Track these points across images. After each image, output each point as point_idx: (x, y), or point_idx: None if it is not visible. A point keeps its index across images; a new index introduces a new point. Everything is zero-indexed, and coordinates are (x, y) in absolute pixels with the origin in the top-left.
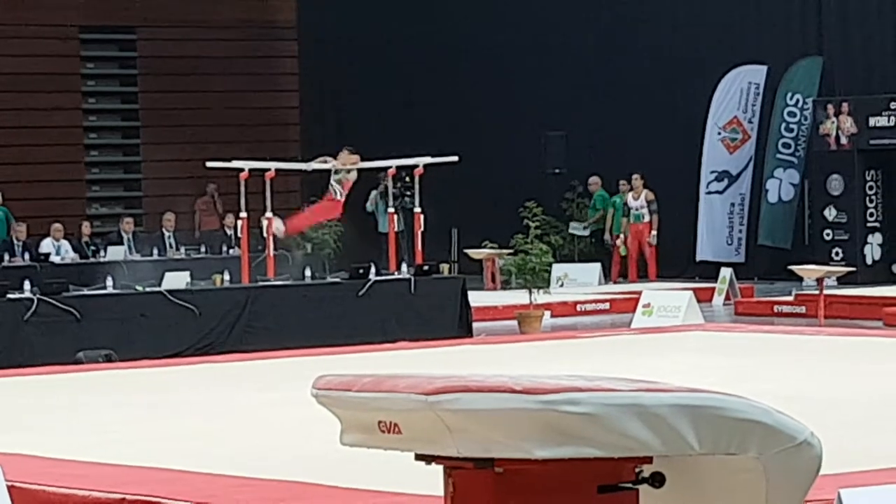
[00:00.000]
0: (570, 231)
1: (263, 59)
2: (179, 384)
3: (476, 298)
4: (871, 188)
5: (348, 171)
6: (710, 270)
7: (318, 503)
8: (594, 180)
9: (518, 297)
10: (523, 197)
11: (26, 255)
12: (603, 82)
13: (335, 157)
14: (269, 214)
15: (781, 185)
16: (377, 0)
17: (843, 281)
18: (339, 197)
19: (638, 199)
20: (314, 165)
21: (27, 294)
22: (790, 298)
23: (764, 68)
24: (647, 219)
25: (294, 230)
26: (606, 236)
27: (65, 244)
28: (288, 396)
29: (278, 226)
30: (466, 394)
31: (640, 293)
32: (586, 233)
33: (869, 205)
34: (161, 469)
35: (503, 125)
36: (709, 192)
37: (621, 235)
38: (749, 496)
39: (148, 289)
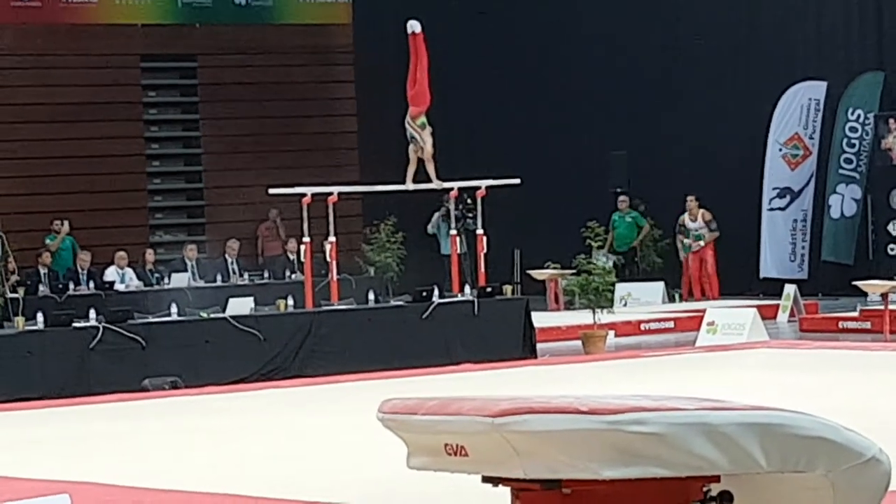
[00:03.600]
0: (595, 260)
1: (321, 85)
2: (245, 410)
3: (540, 319)
4: None
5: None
6: (773, 287)
7: None
8: (622, 199)
9: (582, 317)
10: (585, 217)
11: (91, 284)
12: (664, 101)
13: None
14: (331, 238)
15: (844, 201)
16: (434, 24)
17: None
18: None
19: (695, 221)
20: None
21: (93, 322)
22: (855, 314)
23: (824, 84)
24: (707, 239)
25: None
26: (682, 255)
27: (129, 272)
28: (353, 420)
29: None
30: (532, 415)
31: (704, 311)
32: (610, 263)
33: None
34: (228, 495)
35: (565, 145)
36: (771, 209)
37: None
38: None
39: (212, 315)
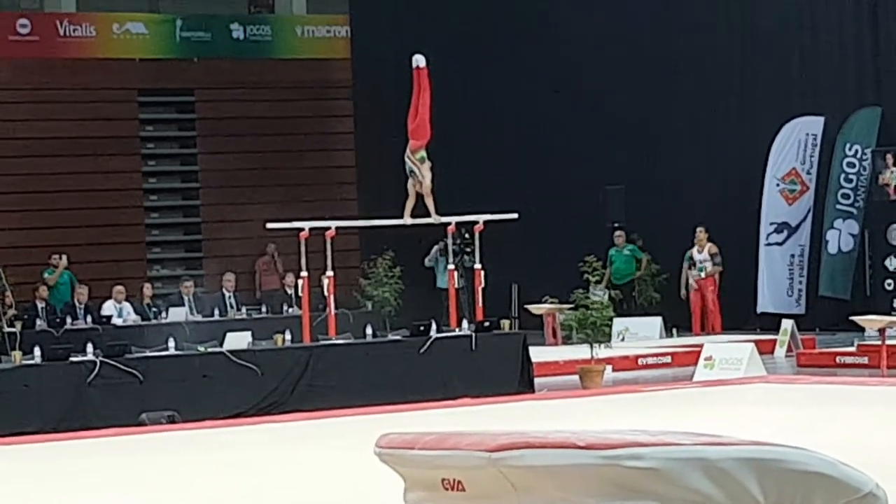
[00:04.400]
0: (591, 296)
1: (320, 119)
2: (243, 444)
3: (537, 354)
4: None
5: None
6: (771, 322)
7: None
8: (619, 234)
9: (579, 351)
10: (583, 251)
11: (88, 318)
12: (662, 136)
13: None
14: (329, 273)
15: (841, 236)
16: (430, 58)
17: None
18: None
19: (702, 253)
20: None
21: (90, 357)
22: (852, 349)
23: (821, 119)
24: (709, 271)
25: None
26: (683, 292)
27: (126, 306)
28: (351, 455)
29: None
30: (530, 450)
31: (701, 346)
32: (605, 296)
33: None
34: None
35: (562, 180)
36: (768, 244)
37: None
38: None
39: (210, 349)
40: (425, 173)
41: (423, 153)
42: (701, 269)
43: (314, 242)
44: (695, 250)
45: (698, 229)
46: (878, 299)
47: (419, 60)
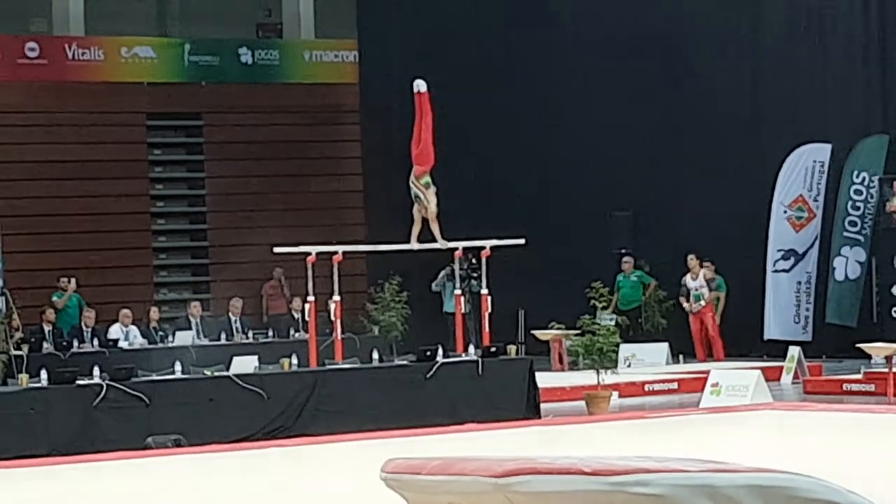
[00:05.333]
0: (599, 321)
1: (328, 144)
2: (248, 468)
3: (544, 379)
4: None
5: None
6: (777, 349)
7: None
8: (627, 260)
9: (586, 377)
10: (590, 277)
11: (95, 341)
12: (668, 162)
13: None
14: (336, 297)
15: (848, 263)
16: (438, 83)
17: None
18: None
19: (696, 280)
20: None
21: (96, 380)
22: (859, 376)
23: (828, 147)
24: (707, 298)
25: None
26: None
27: (133, 329)
28: (357, 480)
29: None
30: (536, 476)
31: (707, 373)
32: (612, 321)
33: None
34: None
35: (569, 206)
36: (775, 271)
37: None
38: None
39: (216, 373)
40: (430, 198)
41: (427, 178)
42: (697, 297)
43: (321, 267)
44: (688, 277)
45: (689, 256)
46: (885, 327)
47: (420, 85)
